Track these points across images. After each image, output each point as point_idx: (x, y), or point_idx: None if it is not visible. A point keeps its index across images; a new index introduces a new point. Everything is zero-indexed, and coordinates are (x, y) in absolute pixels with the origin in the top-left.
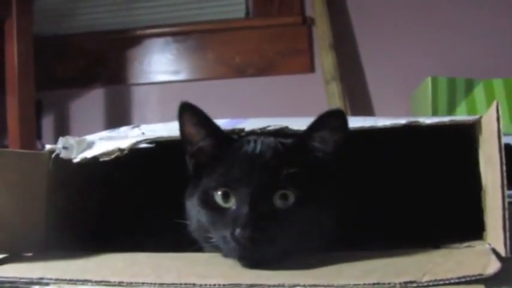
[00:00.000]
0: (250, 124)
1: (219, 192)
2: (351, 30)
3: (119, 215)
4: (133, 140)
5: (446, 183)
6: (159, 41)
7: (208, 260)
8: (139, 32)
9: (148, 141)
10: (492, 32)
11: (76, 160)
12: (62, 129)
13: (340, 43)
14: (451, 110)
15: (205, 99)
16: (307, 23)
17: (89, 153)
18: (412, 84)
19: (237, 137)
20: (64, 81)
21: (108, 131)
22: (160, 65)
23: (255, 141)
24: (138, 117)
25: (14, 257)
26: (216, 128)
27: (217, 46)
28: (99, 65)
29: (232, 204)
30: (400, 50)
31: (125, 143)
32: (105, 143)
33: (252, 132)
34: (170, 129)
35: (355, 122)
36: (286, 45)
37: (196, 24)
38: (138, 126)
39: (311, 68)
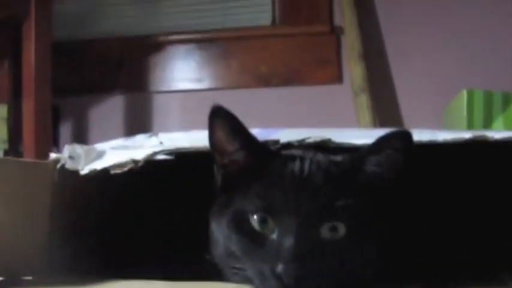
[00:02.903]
0: (284, 135)
1: (256, 216)
2: (381, 40)
3: (131, 235)
4: (150, 151)
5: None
6: (182, 47)
7: None
8: (161, 38)
9: (166, 152)
10: None
11: (84, 172)
12: (80, 136)
13: (369, 53)
14: (487, 125)
15: (229, 108)
16: (336, 32)
17: (98, 165)
18: (445, 98)
19: (277, 150)
20: (83, 88)
21: (122, 139)
22: (182, 73)
23: (302, 159)
24: (158, 126)
25: (12, 281)
26: (253, 140)
27: (241, 54)
28: (120, 71)
29: (271, 231)
30: (432, 61)
31: (140, 154)
32: (118, 153)
33: (289, 145)
34: (192, 138)
35: None
36: (314, 54)
37: (221, 31)
38: (155, 134)
39: (339, 79)
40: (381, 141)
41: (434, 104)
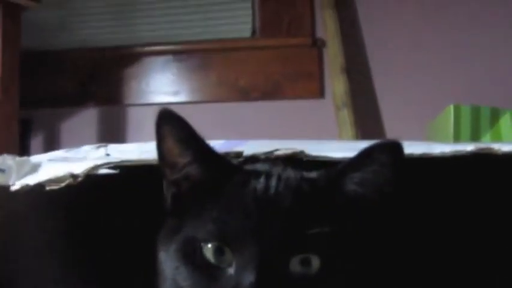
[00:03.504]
0: (250, 147)
1: (210, 246)
2: (365, 54)
3: (64, 262)
4: (91, 164)
5: None
6: (159, 59)
7: None
8: (137, 49)
9: (110, 165)
10: None
11: (14, 188)
12: (52, 150)
13: (352, 67)
14: (474, 141)
15: (206, 122)
16: (318, 44)
17: (31, 179)
18: (430, 113)
19: (239, 164)
20: (55, 100)
21: (65, 150)
22: (159, 85)
23: (268, 175)
24: (134, 140)
25: None
26: (210, 151)
27: (220, 67)
28: (94, 83)
29: (228, 264)
30: (416, 76)
31: (79, 168)
32: (56, 165)
33: (254, 159)
34: (144, 150)
35: None
36: (295, 67)
37: (199, 43)
38: (105, 145)
39: (321, 93)
40: (364, 155)
41: (418, 120)
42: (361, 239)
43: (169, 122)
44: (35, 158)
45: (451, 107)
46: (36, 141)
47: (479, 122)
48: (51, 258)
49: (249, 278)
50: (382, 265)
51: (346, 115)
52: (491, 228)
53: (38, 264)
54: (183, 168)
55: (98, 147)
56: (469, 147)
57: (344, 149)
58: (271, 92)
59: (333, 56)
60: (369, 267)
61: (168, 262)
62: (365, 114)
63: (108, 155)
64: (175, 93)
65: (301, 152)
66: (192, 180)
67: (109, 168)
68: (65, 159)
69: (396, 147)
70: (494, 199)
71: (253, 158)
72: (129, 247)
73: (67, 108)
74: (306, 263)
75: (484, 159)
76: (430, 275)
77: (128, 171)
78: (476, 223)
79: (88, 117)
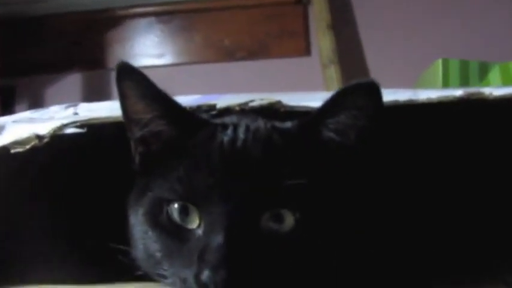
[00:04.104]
0: (226, 100)
1: (176, 206)
2: (351, 10)
3: (33, 228)
4: (58, 124)
5: None
6: (142, 21)
7: None
8: (119, 12)
9: (77, 124)
10: (510, 12)
11: None
12: None
13: (338, 24)
14: None
15: (192, 84)
16: (303, 1)
17: None
18: (418, 69)
19: (207, 117)
20: (39, 66)
21: (31, 111)
22: (143, 48)
23: (236, 126)
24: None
25: None
26: (175, 105)
27: (204, 27)
28: (77, 48)
29: (197, 225)
30: (404, 31)
31: (45, 128)
32: (20, 127)
33: (228, 111)
34: (115, 108)
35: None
36: (280, 26)
37: (182, 3)
38: (74, 105)
39: (307, 51)
40: (338, 98)
41: (407, 76)
42: (340, 189)
43: (129, 77)
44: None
45: (440, 61)
46: (20, 108)
47: (468, 76)
48: (20, 221)
49: (218, 239)
50: (363, 219)
51: (333, 72)
52: (480, 177)
53: (6, 228)
54: (147, 124)
55: (67, 106)
56: (458, 92)
57: (325, 99)
58: (257, 52)
59: (319, 13)
60: (348, 222)
61: (138, 226)
62: (352, 71)
63: (76, 114)
64: (160, 55)
65: (278, 102)
66: (159, 137)
67: (76, 127)
68: (30, 120)
69: (373, 87)
70: (485, 146)
71: (228, 111)
72: (101, 212)
73: (51, 74)
74: (278, 219)
75: (474, 106)
76: (414, 227)
77: (99, 130)
78: (466, 171)
79: (72, 82)
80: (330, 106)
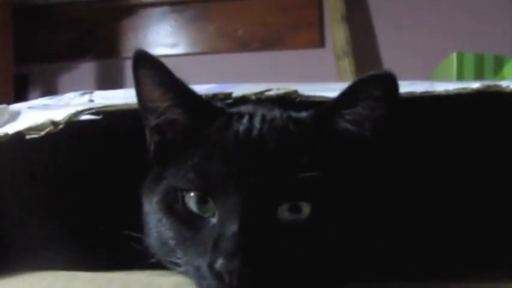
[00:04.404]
0: (242, 89)
1: (192, 195)
2: (366, 1)
3: (49, 215)
4: (73, 110)
5: None
6: (156, 11)
7: None
8: (134, 1)
9: (92, 111)
10: None
11: None
12: None
13: (353, 15)
14: None
15: (205, 74)
16: None
17: (11, 128)
18: (433, 62)
19: (223, 106)
20: (53, 55)
21: (46, 97)
22: (157, 37)
23: (252, 116)
24: None
25: None
26: (191, 94)
27: (219, 17)
28: (91, 36)
29: (212, 214)
30: (419, 23)
31: (60, 114)
32: (36, 113)
33: (244, 100)
34: (130, 95)
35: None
36: (294, 17)
37: None
38: (90, 92)
39: (321, 43)
40: (354, 88)
41: (421, 68)
42: (354, 180)
43: (145, 65)
44: (14, 106)
45: (454, 55)
46: (33, 96)
47: (482, 69)
48: (32, 210)
49: (232, 228)
50: (376, 207)
51: (346, 64)
52: (494, 170)
53: (20, 215)
54: (163, 113)
55: (82, 94)
56: (475, 85)
57: (340, 90)
58: (271, 42)
59: (333, 4)
60: (362, 210)
61: (152, 214)
62: (366, 64)
63: (92, 101)
64: (174, 45)
65: (294, 92)
66: (174, 126)
67: (91, 114)
68: (46, 107)
69: (389, 78)
70: (500, 139)
71: (244, 100)
72: (115, 200)
73: (65, 63)
74: (295, 209)
75: (490, 98)
76: (427, 217)
77: (113, 118)
78: (480, 164)
79: (86, 71)
80: (346, 96)
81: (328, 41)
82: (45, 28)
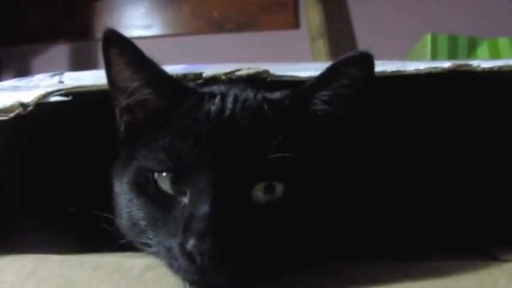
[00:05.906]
0: (213, 69)
1: (163, 175)
2: None
3: (14, 197)
4: (43, 91)
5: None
6: None
7: (142, 275)
8: None
9: (62, 92)
10: None
11: None
12: None
13: None
14: None
15: (180, 56)
16: None
17: None
18: (408, 43)
19: (195, 86)
20: (25, 36)
21: (16, 79)
22: (131, 19)
23: (224, 96)
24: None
25: None
26: (162, 74)
27: None
28: (65, 18)
29: (183, 194)
30: (394, 4)
31: (30, 96)
32: (5, 95)
33: (215, 80)
34: (101, 76)
35: None
36: None
37: None
38: (60, 73)
39: (296, 24)
40: (332, 69)
41: (396, 50)
42: (330, 160)
43: (116, 44)
44: None
45: (428, 36)
46: (6, 79)
47: (456, 51)
48: (1, 192)
49: (204, 207)
50: (352, 187)
51: (321, 45)
52: (468, 149)
53: None
54: (134, 93)
55: (52, 75)
56: (446, 64)
57: (313, 69)
58: (246, 24)
59: None
60: (339, 189)
61: (122, 195)
62: (341, 45)
63: (61, 82)
64: (148, 26)
65: (265, 72)
66: (145, 106)
67: (61, 95)
68: (15, 88)
69: (366, 58)
70: (470, 119)
71: (214, 80)
72: (87, 180)
73: (38, 45)
74: (269, 190)
75: (461, 78)
76: (400, 197)
77: (84, 98)
78: (454, 143)
79: (60, 53)
80: (323, 77)
81: (303, 22)
82: (17, 10)
